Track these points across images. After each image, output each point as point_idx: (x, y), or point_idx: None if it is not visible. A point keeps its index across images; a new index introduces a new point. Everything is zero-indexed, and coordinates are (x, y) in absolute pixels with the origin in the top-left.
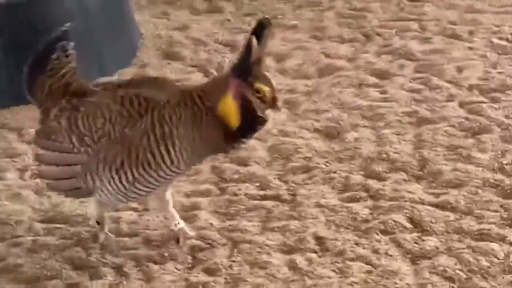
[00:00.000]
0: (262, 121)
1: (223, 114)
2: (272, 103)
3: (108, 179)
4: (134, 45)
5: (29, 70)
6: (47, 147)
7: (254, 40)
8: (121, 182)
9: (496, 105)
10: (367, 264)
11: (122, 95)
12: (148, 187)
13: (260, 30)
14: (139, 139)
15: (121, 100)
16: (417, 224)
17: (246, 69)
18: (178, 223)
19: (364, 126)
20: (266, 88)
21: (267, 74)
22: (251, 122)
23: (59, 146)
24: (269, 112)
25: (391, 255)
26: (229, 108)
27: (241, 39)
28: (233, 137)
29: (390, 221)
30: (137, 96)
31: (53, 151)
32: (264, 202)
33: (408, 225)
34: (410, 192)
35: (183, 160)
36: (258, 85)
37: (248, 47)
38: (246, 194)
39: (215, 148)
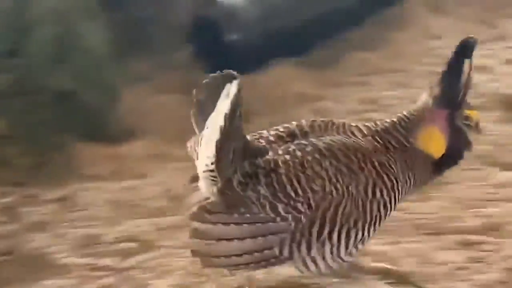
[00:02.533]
0: (470, 146)
1: (425, 148)
2: (477, 127)
3: (331, 244)
4: None
5: (222, 137)
6: (230, 221)
7: (468, 65)
8: (347, 244)
9: None
10: None
11: (327, 148)
12: (363, 246)
13: (467, 51)
14: (372, 193)
15: (332, 154)
16: None
17: (457, 98)
18: None
19: None
20: (474, 113)
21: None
22: (459, 150)
23: (250, 218)
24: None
25: None
26: (435, 141)
27: None
28: (438, 167)
29: None
30: (347, 147)
31: (239, 224)
32: None
33: None
34: None
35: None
36: (468, 112)
37: (458, 73)
38: None
39: (420, 183)
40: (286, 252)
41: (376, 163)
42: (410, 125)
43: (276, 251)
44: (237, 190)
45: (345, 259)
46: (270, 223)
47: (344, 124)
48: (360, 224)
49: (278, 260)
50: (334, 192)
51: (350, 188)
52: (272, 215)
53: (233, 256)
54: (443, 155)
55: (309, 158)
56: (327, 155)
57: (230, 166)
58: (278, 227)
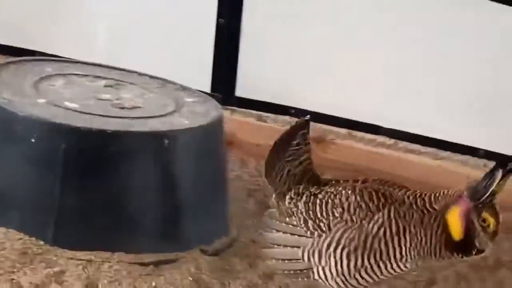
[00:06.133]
0: (478, 250)
1: (448, 223)
2: (492, 236)
3: (335, 261)
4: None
5: (271, 155)
6: (278, 228)
7: (500, 174)
8: (348, 266)
9: None
10: None
11: (361, 188)
12: (369, 277)
13: (507, 167)
14: (377, 230)
15: (361, 193)
16: None
17: (482, 196)
18: None
19: None
20: (492, 220)
21: (497, 207)
22: (468, 244)
23: (291, 228)
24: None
25: None
26: (454, 221)
27: None
28: (454, 248)
29: None
30: (376, 192)
31: (284, 232)
32: None
33: None
34: None
35: (409, 258)
36: (486, 215)
37: (493, 177)
38: None
39: (435, 252)
40: (306, 258)
41: (393, 209)
42: (440, 197)
43: (298, 263)
44: (285, 202)
45: (349, 280)
46: (303, 237)
47: (398, 184)
48: (359, 252)
49: (304, 273)
50: (349, 221)
51: (363, 222)
52: (305, 228)
53: (274, 259)
54: (460, 240)
55: (343, 192)
56: (356, 193)
57: (282, 182)
58: (305, 240)
